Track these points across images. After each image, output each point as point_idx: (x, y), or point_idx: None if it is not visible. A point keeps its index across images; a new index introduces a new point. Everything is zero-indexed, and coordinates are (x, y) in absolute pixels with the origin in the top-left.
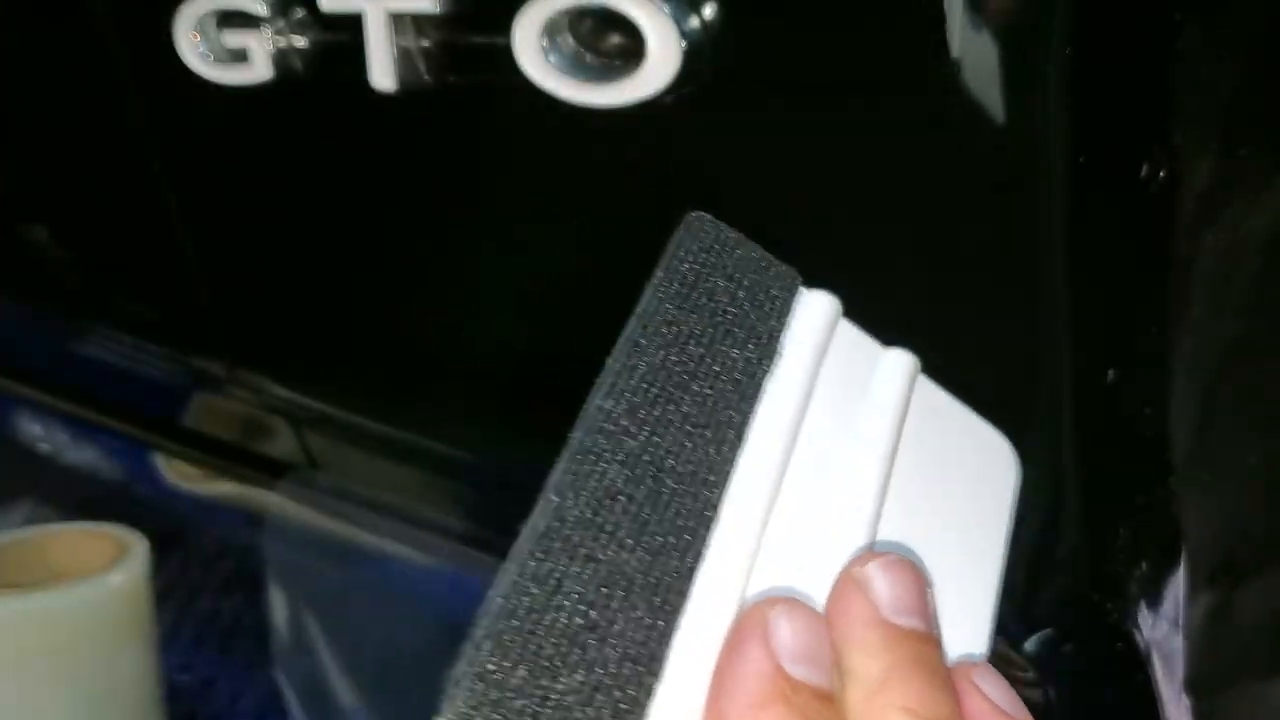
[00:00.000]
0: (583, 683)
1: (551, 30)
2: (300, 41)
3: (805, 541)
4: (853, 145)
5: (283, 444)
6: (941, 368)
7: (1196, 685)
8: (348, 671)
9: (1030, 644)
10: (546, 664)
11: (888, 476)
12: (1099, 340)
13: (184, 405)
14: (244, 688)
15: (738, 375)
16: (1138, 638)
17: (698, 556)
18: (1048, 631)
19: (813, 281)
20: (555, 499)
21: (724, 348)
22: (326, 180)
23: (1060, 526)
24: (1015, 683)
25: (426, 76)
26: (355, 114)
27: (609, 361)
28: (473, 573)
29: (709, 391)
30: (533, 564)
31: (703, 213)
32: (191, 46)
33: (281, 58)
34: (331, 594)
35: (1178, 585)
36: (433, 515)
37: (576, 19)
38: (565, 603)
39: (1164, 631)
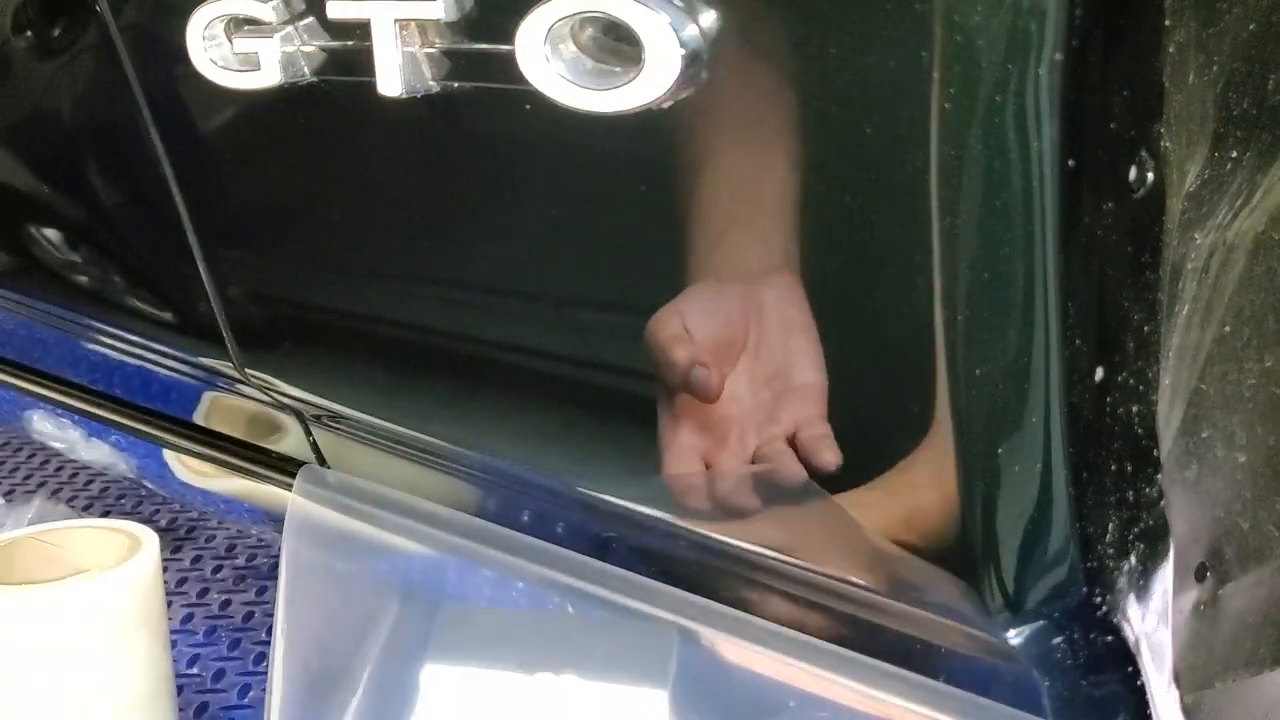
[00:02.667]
0: None
1: (554, 37)
2: (309, 47)
3: None
4: (846, 147)
5: (292, 441)
6: (935, 365)
7: (1184, 678)
8: (355, 662)
9: (1021, 636)
10: None
11: None
12: (1088, 339)
13: (195, 403)
14: (254, 680)
15: None
16: (1127, 630)
17: None
18: (1038, 624)
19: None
20: None
21: None
22: (333, 183)
23: (1050, 521)
24: (1006, 676)
25: (432, 82)
26: (362, 118)
27: None
28: (476, 566)
29: None
30: None
31: None
32: (202, 52)
33: (290, 63)
34: (339, 587)
35: (1166, 579)
36: (437, 510)
37: (578, 26)
38: None
39: (1153, 624)
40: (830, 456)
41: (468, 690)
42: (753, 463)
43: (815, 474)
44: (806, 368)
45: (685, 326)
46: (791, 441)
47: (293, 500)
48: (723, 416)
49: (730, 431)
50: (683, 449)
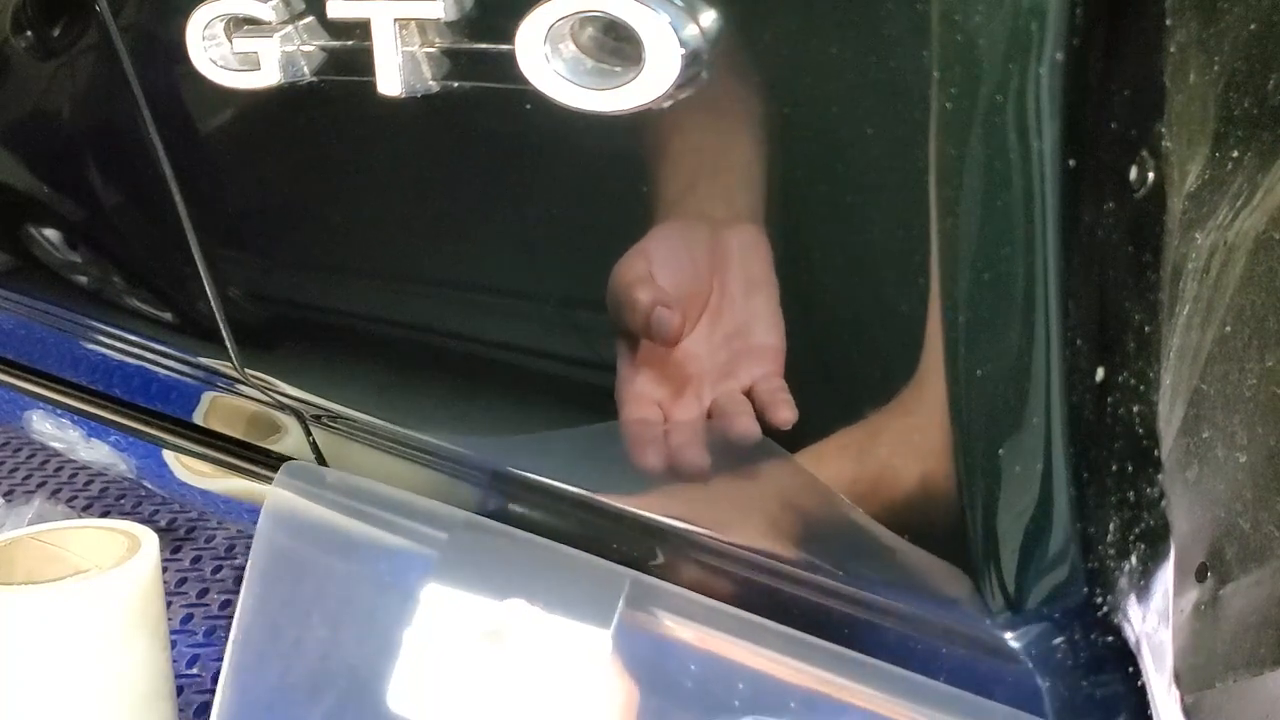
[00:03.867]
0: None
1: (554, 37)
2: (309, 47)
3: None
4: (846, 147)
5: (292, 441)
6: (934, 364)
7: (1185, 678)
8: (355, 662)
9: (1021, 636)
10: None
11: None
12: (1089, 339)
13: (195, 403)
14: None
15: None
16: (1127, 630)
17: None
18: (1039, 624)
19: (806, 276)
20: None
21: None
22: (333, 183)
23: (1051, 521)
24: (1006, 675)
25: (432, 82)
26: (362, 118)
27: None
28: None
29: None
30: None
31: None
32: (202, 52)
33: (290, 63)
34: (338, 586)
35: (1167, 579)
36: (437, 509)
37: (578, 26)
38: None
39: (1153, 624)
40: (786, 413)
41: (455, 610)
42: (709, 418)
43: (771, 431)
44: (769, 330)
45: (650, 270)
46: (749, 398)
47: (271, 492)
48: (681, 371)
49: (688, 386)
50: (640, 398)
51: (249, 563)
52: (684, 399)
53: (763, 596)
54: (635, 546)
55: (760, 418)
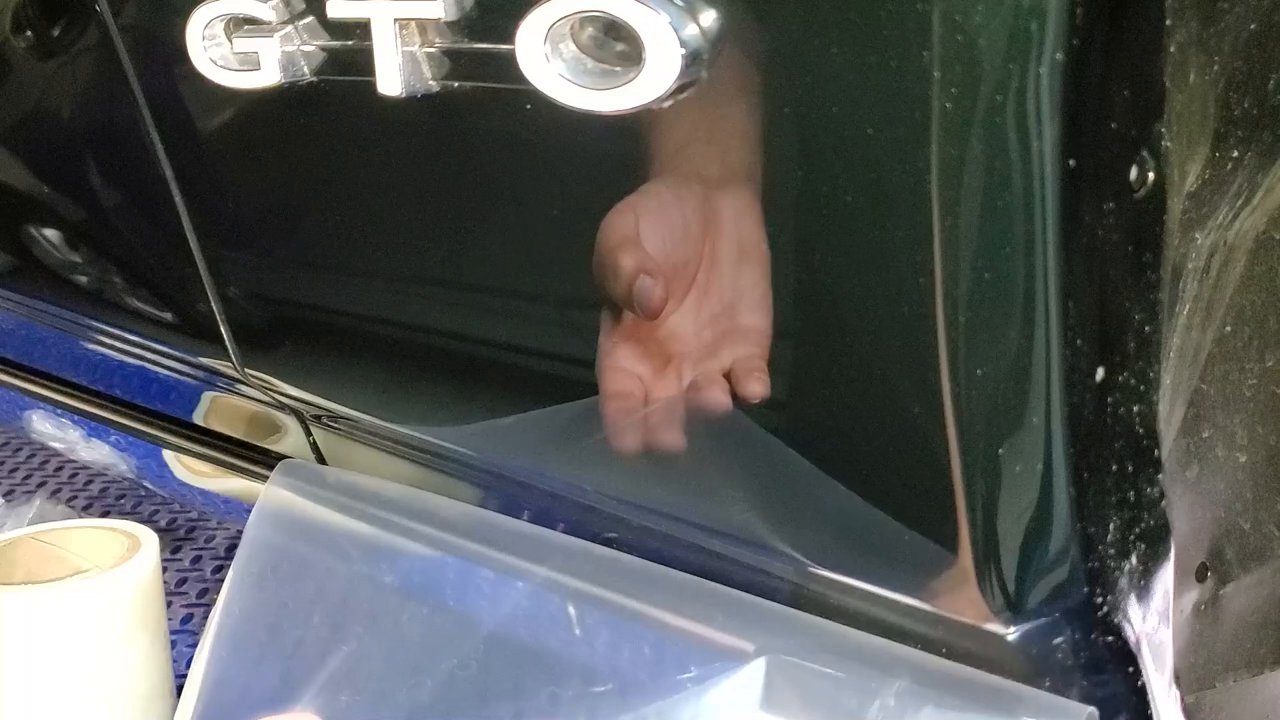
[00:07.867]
0: None
1: (554, 37)
2: (309, 47)
3: None
4: (846, 147)
5: (292, 441)
6: (935, 365)
7: (1185, 678)
8: (355, 664)
9: (1021, 637)
10: None
11: None
12: (1089, 339)
13: (195, 403)
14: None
15: None
16: (1127, 630)
17: None
18: (1039, 624)
19: (807, 276)
20: None
21: None
22: (333, 183)
23: (1051, 521)
24: (1006, 675)
25: (432, 82)
26: (362, 118)
27: None
28: (476, 566)
29: None
30: None
31: None
32: (202, 52)
33: (290, 63)
34: (339, 587)
35: (1167, 579)
36: (438, 508)
37: (578, 26)
38: None
39: (1153, 625)
40: (757, 388)
41: None
42: (689, 393)
43: (744, 404)
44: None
45: (638, 229)
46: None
47: (265, 490)
48: (662, 347)
49: (669, 363)
50: (620, 372)
51: (235, 559)
52: (665, 376)
53: (761, 593)
54: (643, 550)
55: (733, 391)
